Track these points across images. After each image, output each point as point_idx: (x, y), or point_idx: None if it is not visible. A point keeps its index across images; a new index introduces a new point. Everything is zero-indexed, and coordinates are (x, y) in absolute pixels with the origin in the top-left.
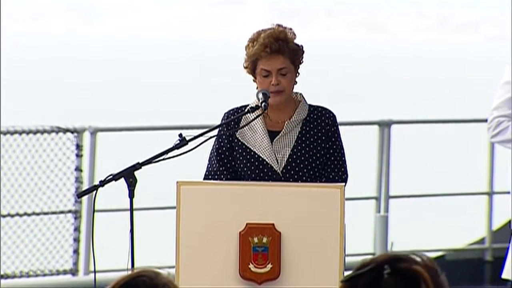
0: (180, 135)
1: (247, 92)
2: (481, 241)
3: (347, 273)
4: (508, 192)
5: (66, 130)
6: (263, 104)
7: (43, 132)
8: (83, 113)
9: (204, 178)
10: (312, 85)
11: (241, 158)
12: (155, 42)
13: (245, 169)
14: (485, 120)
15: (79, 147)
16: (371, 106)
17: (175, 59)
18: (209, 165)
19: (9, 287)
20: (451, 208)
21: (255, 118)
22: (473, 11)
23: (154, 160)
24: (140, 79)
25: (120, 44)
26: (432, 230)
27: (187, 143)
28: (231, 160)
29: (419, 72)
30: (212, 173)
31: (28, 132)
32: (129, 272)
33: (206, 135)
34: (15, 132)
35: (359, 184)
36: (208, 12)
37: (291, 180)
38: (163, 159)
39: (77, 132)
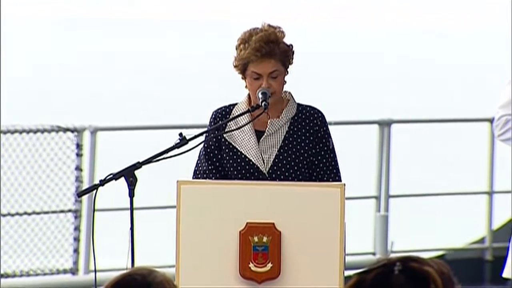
0: (181, 134)
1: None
2: (481, 240)
3: (347, 272)
4: (509, 192)
5: (66, 129)
6: (263, 104)
7: (43, 131)
8: (83, 112)
9: (193, 176)
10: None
11: (227, 157)
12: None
13: (231, 169)
14: (486, 120)
15: (79, 146)
16: (371, 99)
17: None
18: (198, 163)
19: (9, 286)
20: (451, 208)
21: (256, 117)
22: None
23: (154, 159)
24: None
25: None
26: (432, 230)
27: (187, 142)
28: (220, 158)
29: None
30: (202, 171)
31: (28, 131)
32: (123, 272)
33: (206, 134)
34: (15, 131)
35: (359, 183)
36: None
37: (277, 180)
38: (164, 158)
39: (77, 131)
